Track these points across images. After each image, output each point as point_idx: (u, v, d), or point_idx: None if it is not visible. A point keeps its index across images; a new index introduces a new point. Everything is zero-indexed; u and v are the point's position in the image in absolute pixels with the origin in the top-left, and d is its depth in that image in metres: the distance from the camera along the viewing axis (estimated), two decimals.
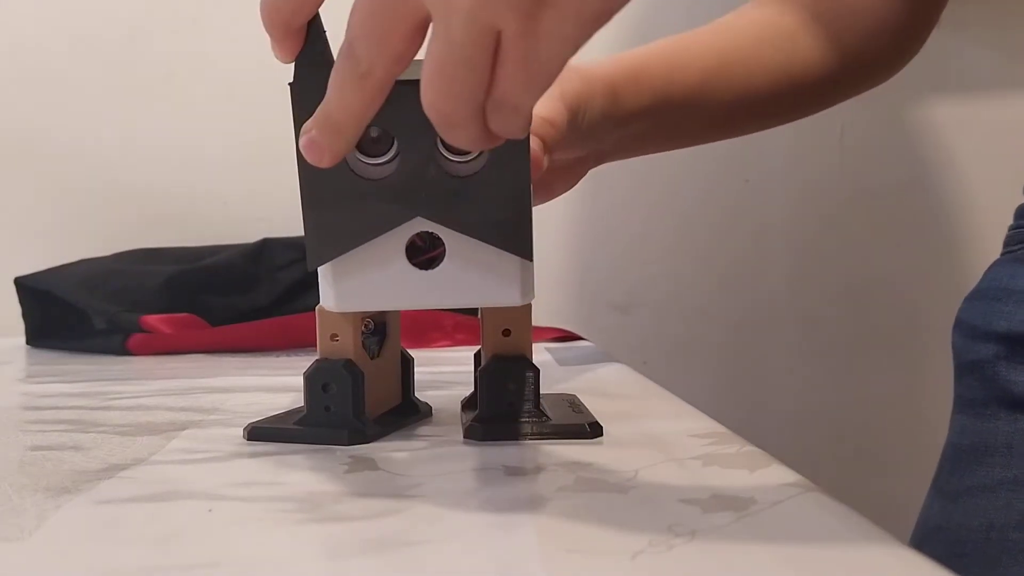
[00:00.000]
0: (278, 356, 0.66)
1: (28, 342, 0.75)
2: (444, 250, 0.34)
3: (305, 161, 0.32)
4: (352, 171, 0.33)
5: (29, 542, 0.25)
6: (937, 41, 0.59)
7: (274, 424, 0.37)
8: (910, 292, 0.94)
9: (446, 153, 0.33)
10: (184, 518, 0.27)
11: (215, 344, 0.69)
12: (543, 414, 0.37)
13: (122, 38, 0.89)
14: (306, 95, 0.32)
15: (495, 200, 0.33)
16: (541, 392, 0.39)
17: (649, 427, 0.38)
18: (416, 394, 0.42)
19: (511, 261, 0.34)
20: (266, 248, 0.74)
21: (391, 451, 0.35)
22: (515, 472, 0.31)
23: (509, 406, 0.37)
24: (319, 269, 0.35)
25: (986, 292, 0.54)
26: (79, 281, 0.73)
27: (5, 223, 0.89)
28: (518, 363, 0.37)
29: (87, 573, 0.23)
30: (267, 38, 0.32)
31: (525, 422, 0.37)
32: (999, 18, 0.92)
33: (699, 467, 0.31)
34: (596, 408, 0.41)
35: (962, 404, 0.55)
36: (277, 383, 0.52)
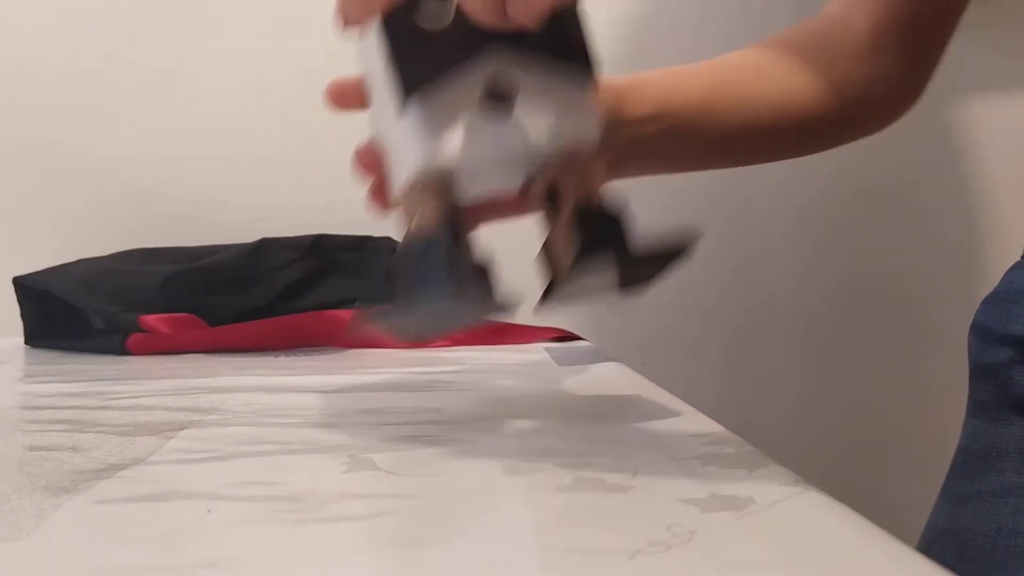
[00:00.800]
0: (277, 356, 0.66)
1: (27, 342, 0.75)
2: (516, 96, 0.35)
3: (388, 22, 0.35)
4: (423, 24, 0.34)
5: (28, 542, 0.25)
6: None
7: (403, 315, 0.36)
8: (910, 294, 0.94)
9: None
10: (183, 518, 0.27)
11: (214, 344, 0.69)
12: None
13: (122, 38, 0.89)
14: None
15: (559, 40, 0.35)
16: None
17: (648, 427, 0.38)
18: (414, 393, 0.42)
19: (581, 97, 0.36)
20: (264, 248, 0.74)
21: (390, 450, 0.35)
22: (513, 471, 0.31)
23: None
24: (402, 128, 0.36)
25: (1003, 295, 0.54)
26: (78, 281, 0.73)
27: (4, 223, 0.89)
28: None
29: (86, 573, 0.23)
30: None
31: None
32: (1001, 19, 0.92)
33: (698, 467, 0.31)
34: (595, 409, 0.41)
35: (975, 407, 0.55)
36: (276, 383, 0.52)
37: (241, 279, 0.73)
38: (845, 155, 0.93)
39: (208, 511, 0.27)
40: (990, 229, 0.93)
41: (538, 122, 0.35)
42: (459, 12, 0.34)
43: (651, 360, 0.93)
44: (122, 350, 0.68)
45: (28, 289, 0.75)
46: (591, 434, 0.37)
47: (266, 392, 0.49)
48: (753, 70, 0.57)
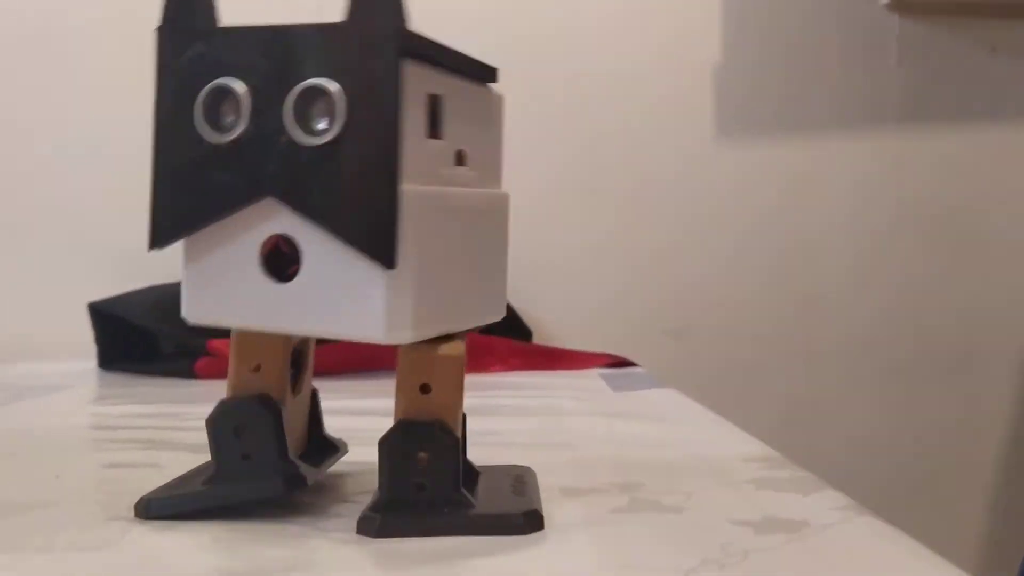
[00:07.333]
0: (339, 379, 0.67)
1: (100, 365, 0.77)
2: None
3: (160, 128, 0.29)
4: (200, 135, 0.28)
5: (111, 551, 0.26)
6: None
7: (174, 492, 0.31)
8: (968, 318, 0.93)
9: (296, 130, 0.27)
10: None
11: None
12: (464, 500, 0.29)
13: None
14: (172, 43, 0.29)
15: (353, 180, 0.27)
16: (490, 464, 0.33)
17: (703, 451, 0.39)
18: (473, 416, 0.42)
19: (375, 279, 0.27)
20: None
21: None
22: (571, 493, 0.32)
23: (418, 489, 0.28)
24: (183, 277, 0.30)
25: None
26: (148, 306, 0.75)
27: (80, 250, 0.92)
28: (431, 429, 0.29)
29: None
30: None
31: (437, 511, 0.28)
32: None
33: (752, 490, 0.32)
34: (650, 433, 0.41)
35: None
36: (352, 406, 0.52)
37: None
38: (902, 177, 0.92)
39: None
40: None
41: (316, 304, 0.28)
42: (252, 118, 0.27)
43: (704, 385, 0.92)
44: (190, 373, 0.70)
45: (101, 314, 0.77)
46: (646, 457, 0.38)
47: (331, 415, 0.50)
48: None
